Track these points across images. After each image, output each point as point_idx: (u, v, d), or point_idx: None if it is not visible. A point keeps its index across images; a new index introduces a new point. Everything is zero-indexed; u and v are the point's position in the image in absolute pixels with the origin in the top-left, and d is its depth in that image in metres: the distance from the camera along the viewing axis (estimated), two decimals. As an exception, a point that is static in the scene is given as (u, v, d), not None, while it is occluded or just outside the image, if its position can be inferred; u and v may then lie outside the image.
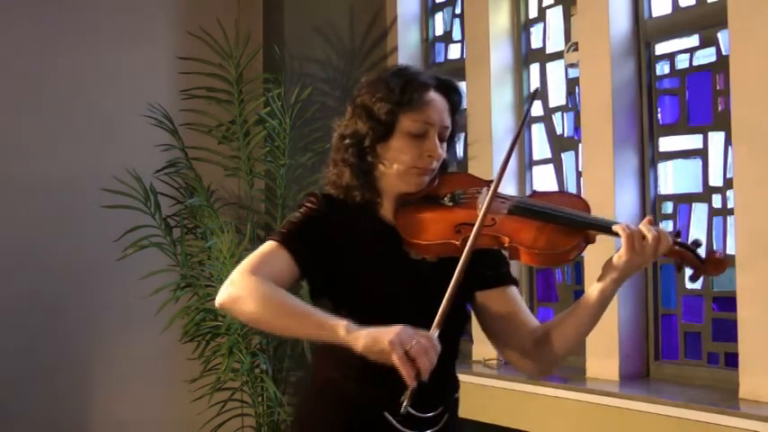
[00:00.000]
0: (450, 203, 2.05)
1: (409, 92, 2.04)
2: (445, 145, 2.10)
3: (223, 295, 1.97)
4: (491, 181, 2.07)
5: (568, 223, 1.99)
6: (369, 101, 2.06)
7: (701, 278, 2.04)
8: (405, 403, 1.83)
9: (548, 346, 2.07)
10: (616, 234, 1.95)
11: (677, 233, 2.01)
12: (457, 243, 1.97)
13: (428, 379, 1.85)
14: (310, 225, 2.04)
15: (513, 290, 2.14)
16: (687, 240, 1.99)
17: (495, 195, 1.99)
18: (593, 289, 2.02)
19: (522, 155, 4.13)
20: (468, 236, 1.95)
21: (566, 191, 2.15)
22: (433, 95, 2.07)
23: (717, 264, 2.00)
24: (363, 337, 1.84)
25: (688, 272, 2.02)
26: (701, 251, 2.00)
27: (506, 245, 1.98)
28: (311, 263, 2.02)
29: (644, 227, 1.94)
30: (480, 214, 1.95)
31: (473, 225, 1.96)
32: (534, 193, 2.16)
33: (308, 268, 2.02)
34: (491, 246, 1.99)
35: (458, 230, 1.99)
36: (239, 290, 1.95)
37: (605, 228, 1.98)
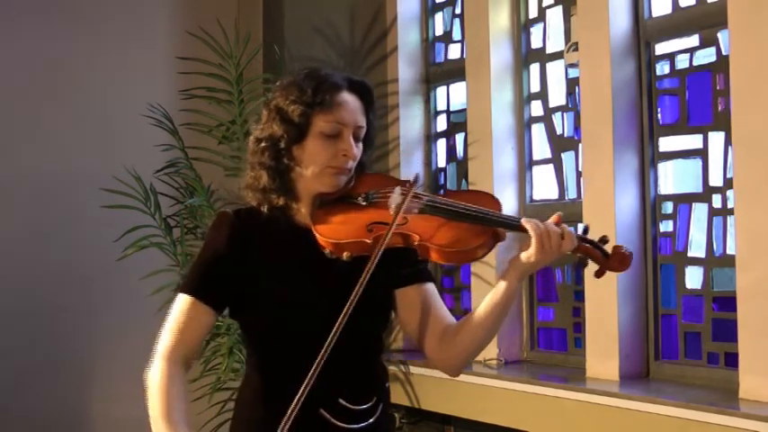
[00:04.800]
0: (364, 203, 2.10)
1: (321, 93, 2.08)
2: (361, 145, 2.14)
3: (147, 373, 2.11)
4: (406, 181, 2.10)
5: (477, 221, 2.03)
6: (282, 103, 2.11)
7: (605, 274, 2.05)
8: None
9: (454, 342, 2.12)
10: (524, 230, 1.99)
11: (585, 229, 2.05)
12: (368, 241, 2.01)
13: (359, 372, 2.04)
14: (214, 263, 2.12)
15: (430, 286, 2.19)
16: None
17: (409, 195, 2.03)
18: (499, 285, 2.06)
19: (522, 155, 4.13)
20: (380, 234, 2.00)
21: (480, 190, 2.22)
22: (346, 96, 2.11)
23: (621, 259, 2.02)
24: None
25: (593, 267, 2.04)
26: (608, 247, 2.03)
27: (416, 243, 2.02)
28: (227, 299, 2.12)
29: (551, 224, 1.99)
30: (393, 212, 2.00)
31: (385, 224, 2.01)
32: (447, 191, 2.19)
33: (225, 304, 2.13)
34: (402, 244, 2.04)
35: (370, 229, 2.03)
36: (151, 379, 2.08)
37: (514, 225, 2.02)
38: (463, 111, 4.40)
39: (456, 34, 4.58)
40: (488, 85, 4.12)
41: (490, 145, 4.07)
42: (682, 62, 3.53)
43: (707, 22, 3.41)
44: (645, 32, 3.60)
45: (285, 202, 2.12)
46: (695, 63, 3.49)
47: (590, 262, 2.04)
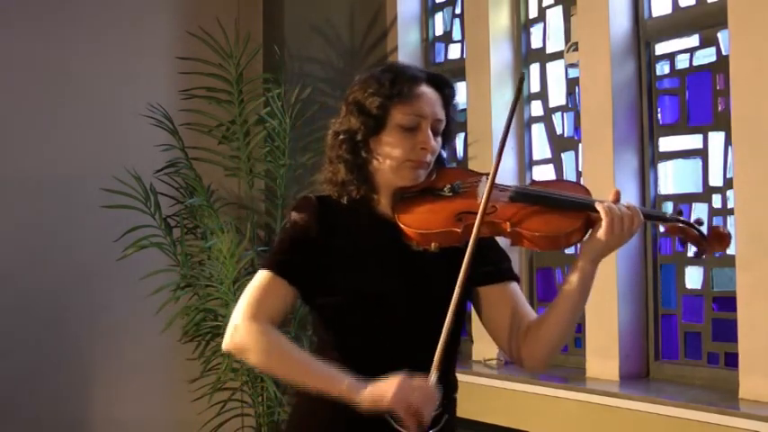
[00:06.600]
0: (450, 193, 2.05)
1: (399, 84, 2.04)
2: (440, 138, 2.10)
3: (228, 342, 2.02)
4: (487, 174, 2.09)
5: (568, 206, 2.01)
6: (360, 96, 2.07)
7: (705, 254, 2.06)
8: None
9: (538, 336, 2.09)
10: (596, 211, 1.98)
11: (679, 212, 2.05)
12: (458, 231, 1.98)
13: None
14: (299, 242, 2.05)
15: (514, 285, 2.15)
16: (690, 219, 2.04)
17: (496, 185, 2.00)
18: (572, 272, 2.06)
19: (522, 155, 4.13)
20: (470, 223, 1.97)
21: (565, 179, 2.21)
22: (424, 88, 2.07)
23: (720, 238, 2.03)
24: (367, 396, 1.91)
25: (692, 248, 2.05)
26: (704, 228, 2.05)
27: (508, 230, 1.99)
28: (308, 282, 2.05)
29: (622, 206, 1.98)
30: (482, 200, 1.96)
31: (474, 213, 1.97)
32: (534, 181, 2.18)
33: (306, 287, 2.05)
34: (493, 234, 2.01)
35: (459, 219, 2.00)
36: (243, 340, 2.00)
37: (588, 206, 2.01)
38: (463, 111, 4.40)
39: (456, 34, 4.58)
40: (488, 85, 4.12)
41: (490, 145, 4.07)
42: (682, 62, 3.53)
43: (707, 22, 3.41)
44: (645, 32, 3.60)
45: (364, 194, 2.07)
46: (695, 63, 3.49)
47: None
